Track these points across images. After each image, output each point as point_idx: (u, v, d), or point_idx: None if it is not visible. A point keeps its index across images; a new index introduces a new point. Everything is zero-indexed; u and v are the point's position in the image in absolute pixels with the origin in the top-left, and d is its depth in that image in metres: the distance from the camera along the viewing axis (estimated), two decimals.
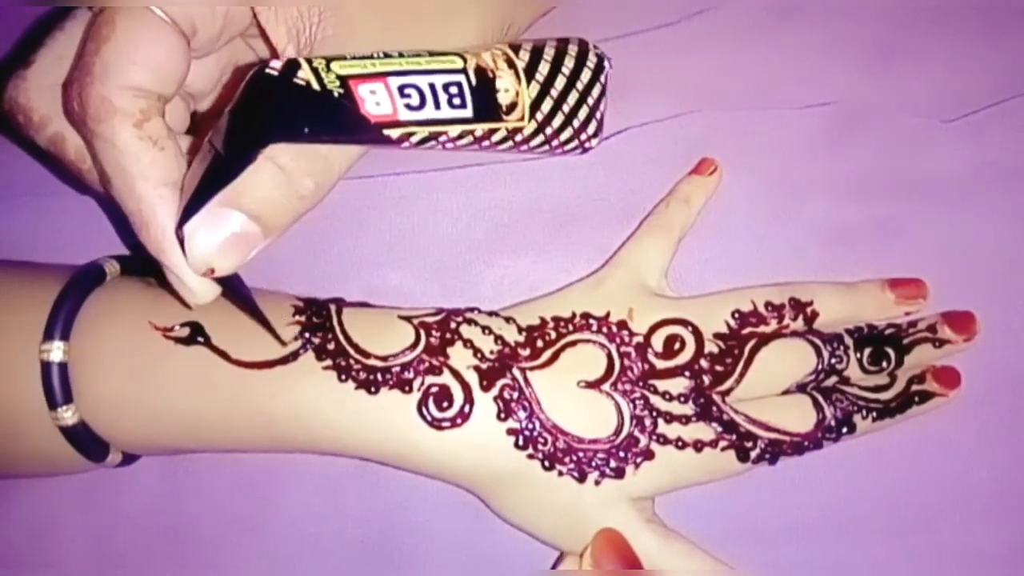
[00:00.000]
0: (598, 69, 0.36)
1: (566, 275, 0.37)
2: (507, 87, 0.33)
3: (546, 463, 0.33)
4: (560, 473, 0.33)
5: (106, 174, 0.30)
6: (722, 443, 0.34)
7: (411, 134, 0.31)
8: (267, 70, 0.29)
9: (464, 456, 0.33)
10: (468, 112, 0.32)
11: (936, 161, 0.38)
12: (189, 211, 0.29)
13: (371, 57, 0.31)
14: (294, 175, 0.30)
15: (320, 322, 0.34)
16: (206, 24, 0.31)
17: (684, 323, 0.35)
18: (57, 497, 0.38)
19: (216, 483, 0.38)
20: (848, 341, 0.35)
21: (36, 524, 0.38)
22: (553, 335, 0.35)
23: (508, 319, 0.35)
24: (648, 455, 0.34)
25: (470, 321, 0.35)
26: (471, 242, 0.38)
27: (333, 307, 0.35)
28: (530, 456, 0.33)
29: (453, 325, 0.35)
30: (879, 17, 0.40)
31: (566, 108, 0.35)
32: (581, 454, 0.33)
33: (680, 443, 0.34)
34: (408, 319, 0.35)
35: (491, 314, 0.36)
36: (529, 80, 0.34)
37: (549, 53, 0.35)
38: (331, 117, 0.30)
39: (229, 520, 0.37)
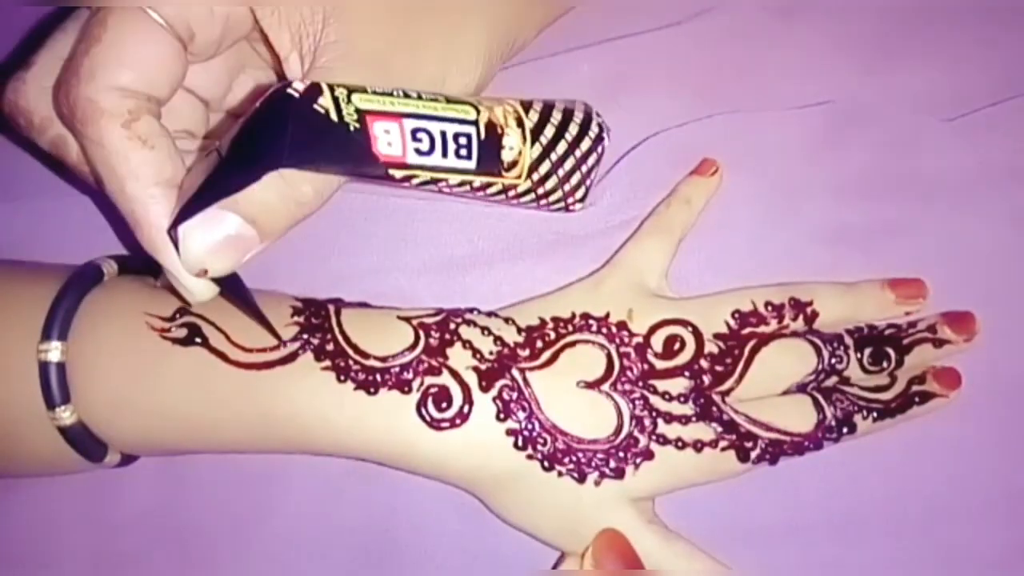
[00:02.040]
0: (598, 139, 0.37)
1: (566, 276, 0.37)
2: (512, 145, 0.34)
3: (545, 463, 0.33)
4: (560, 473, 0.33)
5: (99, 175, 0.30)
6: (722, 443, 0.34)
7: (414, 176, 0.31)
8: (289, 90, 0.29)
9: (463, 457, 0.33)
10: (471, 164, 0.32)
11: (936, 161, 0.38)
12: (186, 212, 0.29)
13: (391, 94, 0.31)
14: (293, 182, 0.30)
15: (319, 323, 0.34)
16: (204, 27, 0.31)
17: (684, 323, 0.35)
18: (57, 497, 0.38)
19: (216, 483, 0.37)
20: (848, 341, 0.35)
21: (36, 524, 0.38)
22: (552, 335, 0.35)
23: (507, 319, 0.35)
24: (648, 455, 0.34)
25: (469, 322, 0.35)
26: (471, 243, 0.38)
27: (332, 308, 0.35)
28: (529, 456, 0.33)
29: (452, 326, 0.35)
30: (879, 17, 0.40)
31: (561, 172, 0.36)
32: (581, 454, 0.33)
33: (680, 443, 0.34)
34: (407, 320, 0.35)
35: (490, 315, 0.36)
36: (534, 141, 0.35)
37: (556, 117, 0.36)
38: (343, 151, 0.29)
39: (229, 520, 0.37)
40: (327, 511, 0.37)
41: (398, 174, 0.31)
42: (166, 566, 0.37)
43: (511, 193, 0.35)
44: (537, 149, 0.35)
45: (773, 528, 0.36)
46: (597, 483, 0.33)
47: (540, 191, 0.36)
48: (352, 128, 0.29)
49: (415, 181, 0.32)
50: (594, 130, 0.37)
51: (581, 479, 0.33)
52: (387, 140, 0.30)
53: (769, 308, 0.35)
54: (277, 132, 0.28)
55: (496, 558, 0.36)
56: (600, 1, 0.42)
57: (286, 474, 0.37)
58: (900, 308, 0.36)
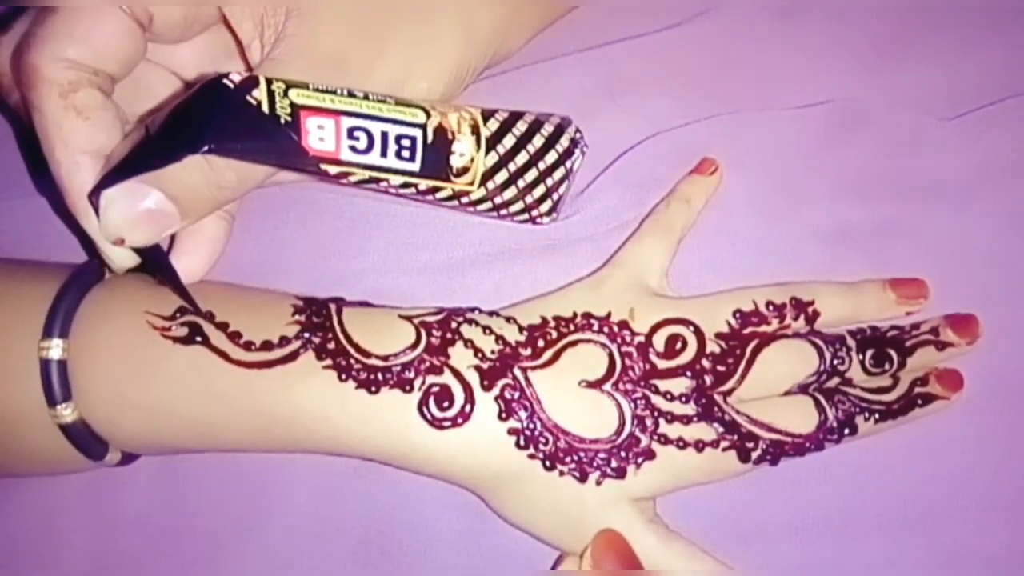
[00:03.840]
0: (566, 154, 0.37)
1: (566, 276, 0.37)
2: (463, 151, 0.34)
3: (547, 463, 0.33)
4: (561, 473, 0.33)
5: (39, 139, 0.32)
6: (723, 443, 0.34)
7: (350, 173, 0.32)
8: (225, 80, 0.30)
9: (465, 456, 0.33)
10: (415, 166, 0.33)
11: (936, 160, 0.38)
12: (106, 181, 0.31)
13: (335, 92, 0.31)
14: (217, 167, 0.31)
15: (320, 321, 0.34)
16: (163, 10, 0.33)
17: (686, 323, 0.35)
18: (57, 497, 0.38)
19: (216, 483, 0.37)
20: (850, 342, 0.35)
21: (36, 524, 0.38)
22: (554, 335, 0.35)
23: (509, 319, 0.35)
24: (649, 455, 0.34)
25: (471, 321, 0.35)
26: (472, 245, 0.38)
27: (333, 306, 0.35)
28: (531, 456, 0.33)
29: (454, 325, 0.35)
30: (880, 16, 0.40)
31: (521, 183, 0.36)
32: (582, 454, 0.33)
33: (681, 443, 0.34)
34: (409, 318, 0.35)
35: (492, 313, 0.36)
36: (489, 150, 0.35)
37: (520, 128, 0.36)
38: (269, 142, 0.30)
39: (229, 520, 0.37)
40: (327, 511, 0.37)
41: (332, 170, 0.32)
42: (166, 566, 0.37)
43: (464, 200, 0.35)
44: (493, 158, 0.35)
45: (773, 528, 0.36)
46: (598, 483, 0.33)
47: (498, 200, 0.36)
48: (283, 121, 0.30)
49: (352, 178, 0.32)
50: (563, 144, 0.37)
51: (582, 479, 0.33)
52: (319, 136, 0.31)
53: (770, 308, 0.35)
54: (204, 118, 0.30)
55: (496, 558, 0.36)
56: (600, 1, 0.42)
57: (286, 474, 0.37)
58: (901, 308, 0.36)
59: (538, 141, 0.36)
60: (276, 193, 0.38)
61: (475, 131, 0.34)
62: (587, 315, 0.35)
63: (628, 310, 0.35)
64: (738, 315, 0.35)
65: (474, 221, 0.38)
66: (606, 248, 0.38)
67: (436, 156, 0.33)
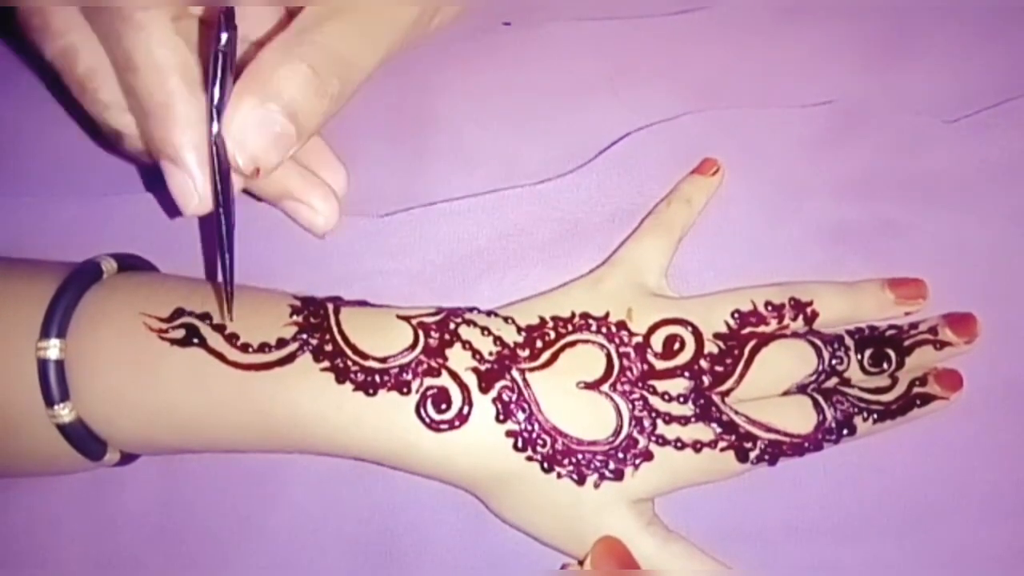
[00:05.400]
0: None
1: (565, 275, 0.37)
2: None
3: (545, 465, 0.33)
4: (559, 475, 0.33)
5: (132, 64, 0.30)
6: (721, 444, 0.34)
7: None
8: None
9: (463, 458, 0.33)
10: None
11: (936, 161, 0.38)
12: (213, 104, 0.29)
13: None
14: (324, 76, 0.30)
15: (318, 322, 0.34)
16: None
17: (684, 323, 0.35)
18: (57, 497, 0.38)
19: (216, 483, 0.37)
20: (849, 342, 0.35)
21: (36, 524, 0.38)
22: (552, 335, 0.35)
23: (507, 319, 0.35)
24: (647, 456, 0.33)
25: (469, 322, 0.35)
26: (471, 243, 0.38)
27: (331, 306, 0.35)
28: (529, 458, 0.33)
29: (452, 325, 0.35)
30: (881, 16, 0.40)
31: None
32: (580, 456, 0.33)
33: (679, 444, 0.33)
34: (407, 319, 0.35)
35: (490, 314, 0.36)
36: None
37: None
38: None
39: (229, 520, 0.37)
40: (327, 511, 0.37)
41: None
42: (166, 566, 0.37)
43: None
44: None
45: (773, 528, 0.36)
46: (596, 485, 0.33)
47: None
48: None
49: None
50: None
51: (580, 481, 0.33)
52: None
53: (769, 308, 0.35)
54: None
55: (496, 558, 0.36)
56: None
57: (286, 474, 0.37)
58: (900, 308, 0.36)
59: None
60: None
61: None
62: (585, 315, 0.35)
63: (626, 310, 0.35)
64: (736, 315, 0.35)
65: (474, 216, 0.38)
66: (606, 246, 0.38)
67: None
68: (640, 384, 0.34)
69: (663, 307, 0.35)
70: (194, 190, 0.31)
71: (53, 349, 0.33)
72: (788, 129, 0.38)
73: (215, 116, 0.29)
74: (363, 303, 0.36)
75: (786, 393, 0.35)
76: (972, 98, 0.38)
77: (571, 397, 0.34)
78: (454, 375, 0.34)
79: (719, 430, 0.34)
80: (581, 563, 0.34)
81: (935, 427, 0.35)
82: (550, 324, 0.35)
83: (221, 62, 0.29)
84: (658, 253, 0.37)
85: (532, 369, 0.34)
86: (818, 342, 0.35)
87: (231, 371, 0.33)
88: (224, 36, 0.29)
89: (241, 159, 0.30)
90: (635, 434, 0.33)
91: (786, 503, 0.36)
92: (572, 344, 0.35)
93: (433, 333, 0.34)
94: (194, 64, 0.31)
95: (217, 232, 0.32)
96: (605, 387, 0.34)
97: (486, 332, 0.35)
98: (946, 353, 0.36)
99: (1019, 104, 0.38)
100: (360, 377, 0.33)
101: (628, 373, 0.34)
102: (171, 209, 0.38)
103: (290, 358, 0.33)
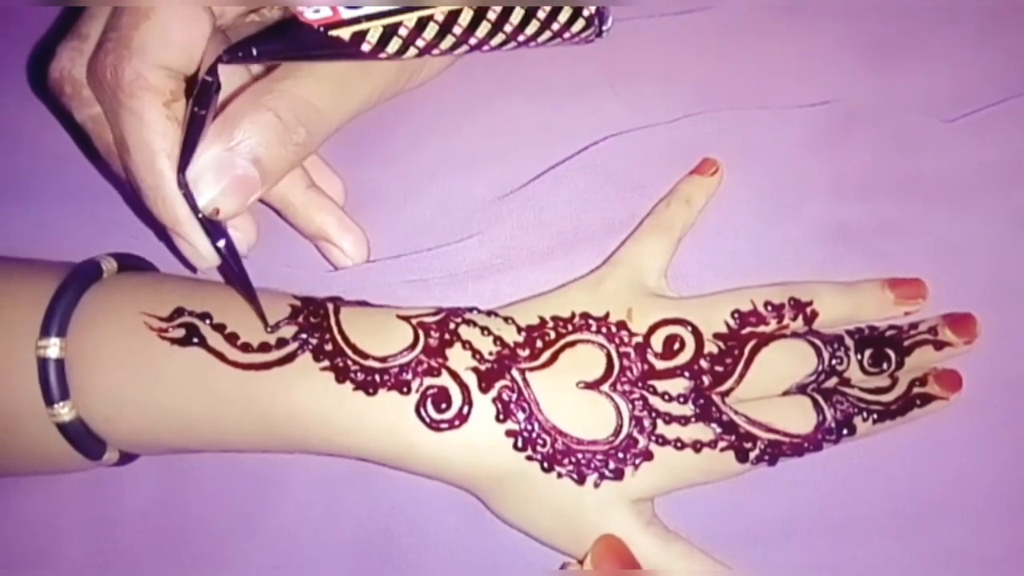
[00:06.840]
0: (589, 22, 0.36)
1: (565, 275, 0.37)
2: None
3: (545, 464, 0.33)
4: (559, 475, 0.33)
5: (126, 146, 0.31)
6: (721, 444, 0.34)
7: (365, 32, 0.31)
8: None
9: (463, 458, 0.33)
10: None
11: (936, 161, 0.38)
12: (185, 157, 0.30)
13: None
14: (288, 123, 0.31)
15: (317, 322, 0.34)
16: (229, 7, 0.32)
17: (684, 323, 0.35)
18: (57, 497, 0.38)
19: (216, 483, 0.38)
20: (849, 342, 0.35)
21: (36, 524, 0.38)
22: (552, 335, 0.35)
23: (507, 319, 0.35)
24: (647, 456, 0.33)
25: (469, 322, 0.35)
26: (471, 242, 0.38)
27: (331, 306, 0.35)
28: (529, 458, 0.33)
29: (452, 325, 0.35)
30: (880, 16, 0.40)
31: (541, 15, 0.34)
32: (580, 455, 0.33)
33: (679, 444, 0.34)
34: (407, 319, 0.35)
35: (490, 314, 0.36)
36: None
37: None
38: (275, 34, 0.30)
39: (229, 520, 0.37)
40: (327, 511, 0.37)
41: (344, 33, 0.30)
42: (166, 565, 0.37)
43: (508, 28, 0.33)
44: None
45: (773, 528, 0.36)
46: (596, 484, 0.33)
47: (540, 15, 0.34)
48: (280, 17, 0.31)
49: (371, 38, 0.31)
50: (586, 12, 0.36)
51: (580, 480, 0.33)
52: (313, 9, 0.30)
53: (769, 308, 0.35)
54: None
55: (496, 558, 0.36)
56: None
57: (286, 474, 0.37)
58: (900, 308, 0.36)
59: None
60: None
61: None
62: (585, 315, 0.35)
63: (626, 310, 0.35)
64: (736, 315, 0.35)
65: (474, 215, 0.38)
66: (605, 247, 0.38)
67: None
68: (640, 384, 0.34)
69: (663, 307, 0.35)
70: (198, 254, 0.32)
71: (53, 348, 0.33)
72: (788, 129, 0.38)
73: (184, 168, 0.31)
74: (363, 303, 0.36)
75: (786, 393, 0.35)
76: (971, 98, 0.38)
77: (571, 397, 0.34)
78: (454, 375, 0.34)
79: (719, 430, 0.34)
80: (581, 563, 0.34)
81: (935, 427, 0.35)
82: (550, 324, 0.35)
83: (198, 122, 0.30)
84: (658, 253, 0.37)
85: (532, 369, 0.34)
86: (818, 342, 0.35)
87: (231, 371, 0.33)
88: (200, 98, 0.30)
89: (200, 201, 0.31)
90: (635, 434, 0.33)
91: (786, 503, 0.36)
92: (572, 344, 0.35)
93: (433, 333, 0.34)
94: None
95: (230, 270, 0.33)
96: (605, 387, 0.34)
97: (486, 332, 0.35)
98: (946, 353, 0.36)
99: (1018, 104, 0.38)
100: (360, 377, 0.33)
101: (628, 373, 0.34)
102: None
103: (290, 358, 0.33)
